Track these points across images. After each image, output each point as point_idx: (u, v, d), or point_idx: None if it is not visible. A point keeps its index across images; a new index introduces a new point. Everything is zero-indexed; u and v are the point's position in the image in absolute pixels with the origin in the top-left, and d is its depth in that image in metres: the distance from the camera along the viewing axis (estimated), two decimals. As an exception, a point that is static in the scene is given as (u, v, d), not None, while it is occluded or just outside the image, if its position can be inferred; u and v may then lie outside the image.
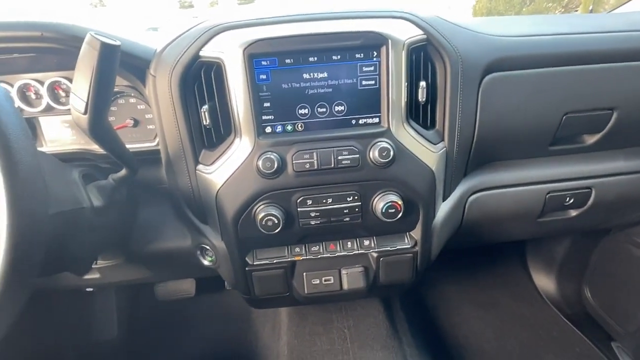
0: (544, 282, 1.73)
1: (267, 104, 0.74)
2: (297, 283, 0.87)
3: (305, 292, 0.86)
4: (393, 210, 0.77)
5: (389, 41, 0.71)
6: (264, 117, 0.74)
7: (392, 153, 0.74)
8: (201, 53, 0.72)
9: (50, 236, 0.67)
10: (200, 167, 0.78)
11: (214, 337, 1.53)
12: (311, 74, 0.73)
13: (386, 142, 0.75)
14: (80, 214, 0.75)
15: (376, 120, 0.77)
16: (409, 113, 0.78)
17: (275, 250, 0.85)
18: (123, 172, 0.81)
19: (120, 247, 0.97)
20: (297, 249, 0.85)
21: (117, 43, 0.59)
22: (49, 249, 0.68)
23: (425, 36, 0.75)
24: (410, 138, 0.78)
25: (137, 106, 0.92)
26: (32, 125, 0.91)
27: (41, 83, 0.86)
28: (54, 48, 0.70)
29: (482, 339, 1.50)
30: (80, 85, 0.59)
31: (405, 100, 0.76)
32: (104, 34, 0.61)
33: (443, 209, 0.88)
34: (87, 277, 1.03)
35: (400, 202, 0.77)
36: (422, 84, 0.76)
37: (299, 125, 0.76)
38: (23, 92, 0.89)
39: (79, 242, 0.77)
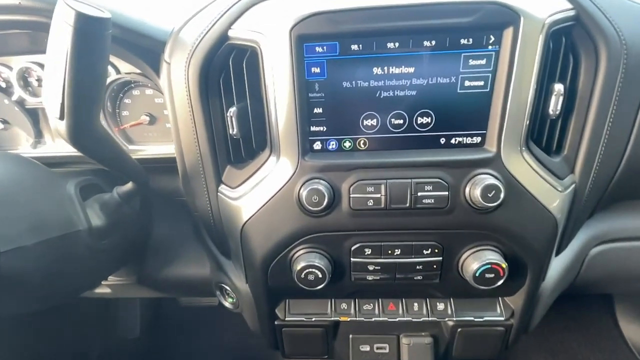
0: (634, 332, 1.39)
1: (318, 110, 0.51)
2: (339, 347, 0.66)
3: (350, 359, 0.65)
4: (492, 276, 0.52)
5: (520, 19, 0.44)
6: (314, 128, 0.52)
7: (502, 195, 0.48)
8: (230, 33, 0.50)
9: (30, 269, 0.52)
10: (223, 188, 0.58)
11: (233, 347, 1.42)
12: (387, 68, 0.48)
13: (493, 175, 0.49)
14: (74, 238, 0.59)
15: (478, 140, 0.51)
16: (531, 132, 0.52)
17: (314, 304, 0.64)
18: (130, 185, 0.64)
19: (132, 268, 0.82)
20: (344, 306, 0.63)
21: (104, 14, 0.39)
22: (32, 283, 0.54)
23: (574, 12, 0.47)
24: (529, 170, 0.52)
25: (154, 99, 0.74)
26: (36, 118, 0.77)
27: (43, 67, 0.70)
28: (40, 22, 0.52)
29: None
30: (52, 79, 0.40)
31: (531, 112, 0.49)
32: (88, 1, 0.41)
33: (556, 266, 0.62)
34: (98, 291, 0.92)
35: (503, 265, 0.52)
36: (558, 87, 0.49)
37: (362, 142, 0.52)
38: (25, 78, 0.74)
39: (82, 269, 0.62)
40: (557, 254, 0.62)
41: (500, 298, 0.62)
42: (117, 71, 0.70)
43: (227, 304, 0.72)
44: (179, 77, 0.54)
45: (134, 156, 0.73)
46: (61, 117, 0.42)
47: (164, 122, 0.75)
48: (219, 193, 0.59)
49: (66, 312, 1.32)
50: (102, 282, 0.87)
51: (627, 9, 0.50)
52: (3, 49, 0.69)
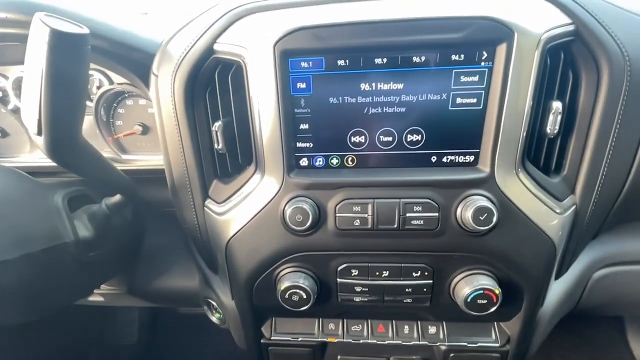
0: (647, 354, 1.33)
1: (304, 126, 0.49)
2: (327, 368, 0.63)
3: (338, 381, 0.63)
4: (484, 302, 0.49)
5: (515, 35, 0.42)
6: (300, 145, 0.50)
7: (494, 218, 0.46)
8: (216, 47, 0.49)
9: (13, 283, 0.52)
10: (209, 203, 0.57)
11: (229, 355, 1.40)
12: (375, 84, 0.47)
13: (486, 197, 0.47)
14: (60, 250, 0.58)
15: (471, 158, 0.49)
16: (527, 151, 0.49)
17: (301, 323, 0.62)
18: (118, 196, 0.63)
19: (124, 278, 0.82)
20: (332, 326, 0.61)
21: (82, 30, 0.39)
22: (16, 296, 0.53)
23: (573, 27, 0.44)
24: (524, 191, 0.49)
25: (147, 109, 0.74)
26: (32, 126, 0.77)
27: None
28: (26, 35, 0.51)
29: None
30: (28, 95, 0.40)
31: (526, 130, 0.47)
32: (72, 15, 0.41)
33: (555, 291, 0.58)
34: (91, 299, 0.91)
35: (497, 291, 0.49)
36: (556, 105, 0.47)
37: (350, 159, 0.51)
38: (20, 87, 0.74)
39: (69, 281, 0.62)
40: (557, 277, 0.59)
41: (495, 323, 0.59)
42: (110, 82, 0.70)
43: (214, 319, 0.70)
44: (165, 89, 0.53)
45: (127, 166, 0.72)
46: (39, 133, 0.41)
47: (156, 132, 0.74)
48: (205, 207, 0.58)
49: (65, 316, 1.32)
50: (95, 291, 0.87)
51: (629, 22, 0.47)
52: (-1, 60, 0.70)
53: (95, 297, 0.90)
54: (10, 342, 1.16)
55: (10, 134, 0.79)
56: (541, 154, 0.51)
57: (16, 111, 0.75)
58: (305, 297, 0.51)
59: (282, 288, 0.52)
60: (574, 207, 0.52)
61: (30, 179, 0.60)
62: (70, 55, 0.38)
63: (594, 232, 0.59)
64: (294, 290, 0.51)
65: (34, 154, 0.78)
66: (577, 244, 0.56)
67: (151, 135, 0.75)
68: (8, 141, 0.79)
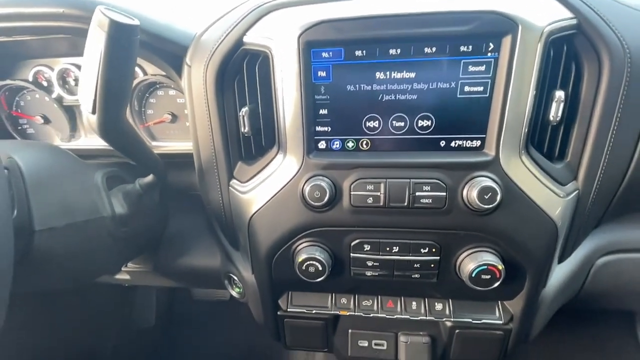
0: (662, 356, 1.32)
1: (323, 111, 0.54)
2: (339, 341, 0.68)
3: (349, 353, 0.67)
4: (488, 277, 0.53)
5: (519, 28, 0.46)
6: (319, 128, 0.55)
7: (498, 197, 0.49)
8: (245, 39, 0.54)
9: (59, 249, 0.57)
10: (234, 182, 0.62)
11: (243, 345, 1.45)
12: (389, 73, 0.51)
13: (491, 178, 0.51)
14: (99, 223, 0.64)
15: (477, 143, 0.53)
16: (531, 137, 0.53)
17: (316, 297, 0.66)
18: (150, 177, 0.69)
19: (150, 255, 0.88)
20: (344, 300, 0.65)
21: (134, 22, 0.44)
22: (59, 262, 0.59)
23: (575, 21, 0.48)
24: (528, 174, 0.52)
25: (176, 99, 0.80)
26: (72, 115, 0.85)
27: (80, 68, 0.77)
28: (79, 28, 0.58)
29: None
30: (87, 78, 0.46)
31: (530, 117, 0.50)
32: (121, 9, 0.47)
33: (558, 274, 0.61)
34: (118, 277, 0.98)
35: (500, 267, 0.53)
36: (559, 94, 0.50)
37: (365, 142, 0.55)
38: (64, 78, 0.81)
39: (103, 253, 0.68)
40: (561, 261, 0.62)
41: (499, 302, 0.62)
42: (144, 73, 0.76)
43: (234, 293, 0.75)
44: (198, 78, 0.59)
45: (155, 151, 0.79)
46: (93, 112, 0.47)
47: (184, 120, 0.81)
48: (230, 187, 0.63)
49: (87, 299, 1.40)
50: (122, 269, 0.93)
51: (630, 17, 0.50)
52: (46, 52, 0.77)
53: (122, 275, 0.97)
54: (32, 323, 1.24)
55: (52, 121, 0.86)
56: (545, 141, 0.54)
57: (59, 100, 0.83)
58: (320, 268, 0.56)
59: (299, 260, 0.56)
60: (576, 192, 0.55)
61: (74, 157, 0.66)
62: (124, 44, 0.44)
63: (597, 220, 0.62)
64: (311, 262, 0.56)
65: (72, 141, 0.85)
66: (579, 229, 0.59)
67: (179, 124, 0.81)
68: (49, 128, 0.86)
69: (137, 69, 0.77)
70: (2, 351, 1.14)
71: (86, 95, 0.47)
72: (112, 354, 1.48)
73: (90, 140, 0.83)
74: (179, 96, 0.79)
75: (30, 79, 0.82)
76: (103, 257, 0.70)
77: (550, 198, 0.53)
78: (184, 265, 0.83)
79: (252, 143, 0.60)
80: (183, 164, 0.77)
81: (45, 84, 0.82)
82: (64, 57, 0.79)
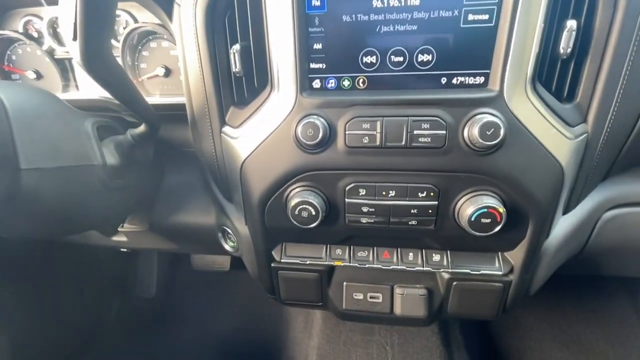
0: (665, 332, 1.30)
1: (318, 45, 0.51)
2: (333, 293, 0.66)
3: (344, 307, 0.66)
4: (488, 221, 0.51)
5: None
6: (313, 65, 0.52)
7: (501, 132, 0.47)
8: None
9: (47, 192, 0.56)
10: (226, 129, 0.60)
11: (243, 315, 1.47)
12: (387, 0, 0.48)
13: (493, 114, 0.48)
14: (89, 171, 0.63)
15: (481, 80, 0.50)
16: (539, 74, 0.49)
17: (310, 248, 0.65)
18: (142, 127, 0.67)
19: (145, 212, 0.87)
20: (339, 251, 0.64)
21: None
22: (48, 205, 0.58)
23: None
24: (534, 112, 0.49)
25: (169, 51, 0.77)
26: (64, 67, 0.83)
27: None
28: None
29: (564, 388, 1.17)
30: (66, 3, 0.43)
31: (538, 50, 0.47)
32: None
33: (563, 225, 0.59)
34: (115, 239, 0.98)
35: (501, 210, 0.50)
36: (571, 24, 0.47)
37: (361, 80, 0.52)
38: (54, 28, 0.79)
39: (96, 203, 0.66)
40: (566, 212, 0.59)
41: (499, 253, 0.60)
42: (135, 20, 0.74)
43: (228, 247, 0.74)
44: (188, 18, 0.56)
45: None
46: (74, 38, 0.45)
47: (178, 74, 0.78)
48: (222, 134, 0.61)
49: (90, 269, 1.42)
50: (119, 229, 0.93)
51: None
52: (34, 0, 0.75)
53: (119, 237, 0.97)
54: (40, 292, 1.26)
55: (44, 76, 0.84)
56: (554, 79, 0.51)
57: (51, 52, 0.80)
58: (314, 213, 0.54)
59: (292, 205, 0.54)
60: (585, 135, 0.52)
61: (63, 102, 0.64)
62: None
63: (606, 169, 0.59)
64: (304, 206, 0.54)
65: (65, 95, 0.83)
66: (587, 178, 0.56)
67: (173, 78, 0.79)
68: (42, 83, 0.85)
69: (127, 16, 0.75)
70: (9, 318, 1.16)
71: (66, 20, 0.44)
72: (115, 322, 1.50)
73: (83, 93, 0.81)
74: (172, 48, 0.77)
75: (21, 29, 0.79)
76: (96, 208, 0.68)
77: (558, 139, 0.50)
78: (179, 222, 0.82)
79: (244, 84, 0.58)
80: (177, 119, 0.75)
81: (35, 34, 0.80)
82: (54, 6, 0.76)
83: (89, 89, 0.81)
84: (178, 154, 0.84)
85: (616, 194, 0.61)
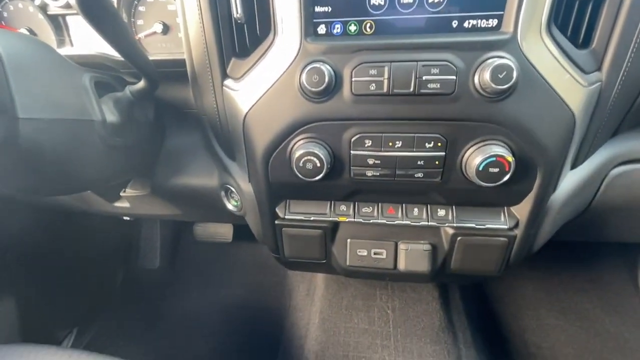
0: (659, 298, 1.33)
1: None
2: (337, 250, 0.66)
3: (347, 263, 0.66)
4: (496, 171, 0.50)
5: None
6: (318, 9, 0.50)
7: (514, 75, 0.45)
8: None
9: (46, 144, 0.55)
10: (228, 82, 0.58)
11: (246, 284, 1.50)
12: None
13: (507, 58, 0.46)
14: (89, 127, 0.61)
15: (494, 22, 0.48)
16: (555, 17, 0.47)
17: (314, 205, 0.64)
18: (142, 83, 0.66)
19: (146, 177, 0.86)
20: (343, 207, 0.63)
21: None
22: (47, 158, 0.57)
23: None
24: (548, 57, 0.47)
25: (167, 6, 0.74)
26: (58, 24, 0.80)
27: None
28: None
29: (559, 354, 1.20)
30: None
31: None
32: None
33: (570, 180, 0.58)
34: (117, 204, 0.97)
35: (509, 159, 0.49)
36: None
37: (368, 25, 0.50)
38: (46, -19, 0.76)
39: (96, 161, 0.65)
40: (574, 167, 0.58)
41: (505, 208, 0.60)
42: (131, -31, 0.71)
43: (230, 207, 0.74)
44: None
45: None
46: None
47: (176, 31, 0.75)
48: (224, 87, 0.59)
49: (95, 242, 1.44)
50: (121, 194, 0.92)
51: None
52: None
53: (122, 203, 0.96)
54: (47, 264, 1.27)
55: (37, 34, 0.81)
56: (570, 23, 0.49)
57: (44, 8, 0.77)
58: (319, 165, 0.53)
59: (296, 156, 0.53)
60: (599, 83, 0.50)
61: (60, 54, 0.62)
62: None
63: (617, 123, 0.57)
64: (308, 157, 0.53)
65: (60, 52, 0.80)
66: (597, 130, 0.55)
67: (171, 35, 0.76)
68: None
69: (122, -34, 0.71)
70: (16, 283, 1.18)
71: None
72: (120, 292, 1.53)
73: (77, 49, 0.79)
74: (170, 2, 0.74)
75: (11, -19, 0.76)
76: (95, 165, 0.67)
77: (571, 85, 0.49)
78: (181, 184, 0.81)
79: (246, 32, 0.56)
80: (177, 77, 0.73)
81: (26, -12, 0.77)
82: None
83: (83, 45, 0.79)
84: (178, 116, 0.82)
85: (625, 150, 0.60)
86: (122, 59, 0.73)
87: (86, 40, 0.80)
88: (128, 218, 1.39)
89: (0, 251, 1.10)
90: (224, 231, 1.51)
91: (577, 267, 1.41)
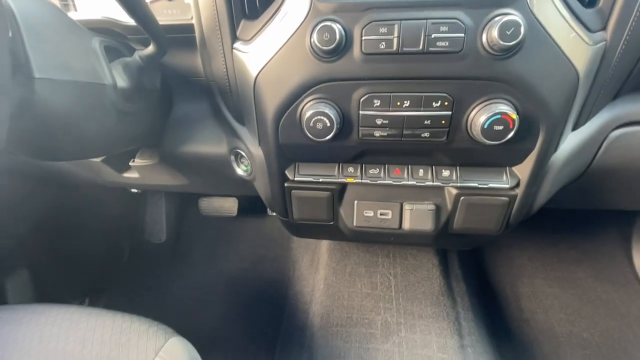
0: (651, 267, 1.38)
1: None
2: (344, 212, 0.69)
3: (354, 224, 0.69)
4: (501, 128, 0.52)
5: None
6: (328, -33, 0.50)
7: (521, 31, 0.46)
8: None
9: (60, 105, 0.56)
10: (237, 44, 0.59)
11: (251, 257, 1.54)
12: None
13: (515, 14, 0.47)
14: (100, 91, 0.62)
15: (503, -20, 0.48)
16: None
17: (322, 167, 0.66)
18: (151, 48, 0.66)
19: (155, 145, 0.88)
20: (351, 169, 0.65)
21: None
22: (61, 120, 0.58)
23: None
24: (555, 15, 0.48)
25: (172, -30, 0.73)
26: (61, -11, 0.79)
27: None
28: None
29: (553, 319, 1.26)
30: None
31: None
32: None
33: (571, 140, 0.60)
34: (127, 175, 0.99)
35: (514, 116, 0.51)
36: None
37: (378, -17, 0.50)
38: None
39: (107, 126, 0.66)
40: (575, 128, 0.60)
41: (507, 168, 0.62)
42: None
43: (240, 172, 0.76)
44: None
45: None
46: None
47: (182, -4, 0.75)
48: (233, 49, 0.60)
49: (103, 216, 1.46)
50: (130, 164, 0.94)
51: None
52: None
53: (131, 174, 0.98)
54: (58, 230, 1.30)
55: None
56: None
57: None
58: (328, 124, 0.55)
59: (307, 116, 0.55)
60: (603, 43, 0.51)
61: (69, 17, 0.62)
62: None
63: (619, 84, 0.59)
64: (319, 117, 0.54)
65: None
66: (600, 90, 0.56)
67: (177, 2, 0.75)
68: None
69: None
70: (30, 255, 1.21)
71: None
72: (127, 265, 1.58)
73: (82, 14, 0.78)
74: (176, -36, 0.73)
75: (12, -55, 0.74)
76: (108, 129, 0.68)
77: (576, 43, 0.50)
78: (190, 152, 0.83)
79: (256, -8, 0.56)
80: (184, 43, 0.72)
81: (28, -49, 0.75)
82: None
83: (88, 9, 0.78)
84: (185, 84, 0.82)
85: (625, 112, 0.62)
86: (129, 24, 0.73)
87: (90, 4, 0.79)
88: (136, 190, 1.41)
89: (14, 223, 1.13)
90: (229, 205, 1.54)
91: (572, 239, 1.46)
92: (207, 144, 0.81)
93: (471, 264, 1.29)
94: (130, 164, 0.94)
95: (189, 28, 0.68)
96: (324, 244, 1.28)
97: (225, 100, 0.69)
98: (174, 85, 0.83)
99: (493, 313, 1.17)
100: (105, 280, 1.48)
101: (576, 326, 1.24)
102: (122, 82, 0.66)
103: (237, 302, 1.40)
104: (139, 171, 0.96)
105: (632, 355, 1.16)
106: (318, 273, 1.18)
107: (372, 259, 1.16)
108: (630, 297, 1.32)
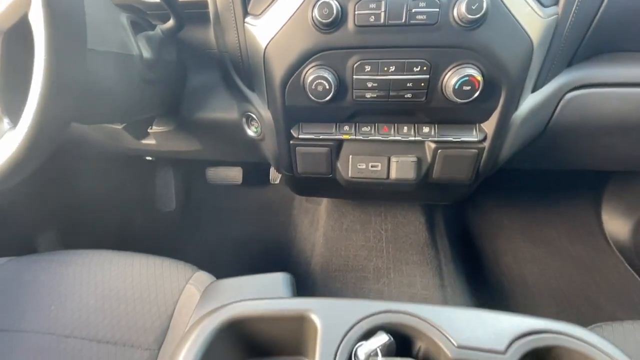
0: (616, 227, 1.53)
1: None
2: (341, 165, 0.81)
3: (349, 175, 0.81)
4: (469, 88, 0.63)
5: None
6: (327, -48, 0.60)
7: (484, 6, 0.57)
8: None
9: (99, 73, 0.65)
10: (248, 19, 0.69)
11: (257, 223, 1.67)
12: None
13: None
14: (130, 61, 0.72)
15: (471, -38, 0.58)
16: None
17: (322, 126, 0.78)
18: (171, 22, 0.75)
19: (172, 113, 0.98)
20: (346, 127, 0.77)
21: None
22: (100, 90, 0.67)
23: None
24: (513, -8, 0.59)
25: (185, -52, 0.81)
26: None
27: None
28: None
29: (526, 271, 1.42)
30: None
31: None
32: None
33: (530, 101, 0.72)
34: (144, 141, 1.09)
35: (479, 78, 0.62)
36: None
37: (368, -36, 0.60)
38: None
39: (133, 93, 0.76)
40: (534, 91, 0.72)
41: (477, 125, 0.74)
42: None
43: (251, 133, 0.87)
44: None
45: None
46: None
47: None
48: (245, 23, 0.70)
49: (117, 187, 1.57)
50: (148, 131, 1.04)
51: None
52: None
53: (149, 140, 1.08)
54: (81, 196, 1.41)
55: None
56: None
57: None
58: (327, 87, 0.66)
59: (309, 80, 0.66)
60: (555, 16, 0.62)
61: None
62: None
63: (572, 53, 0.70)
64: (319, 80, 0.65)
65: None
66: (554, 58, 0.67)
67: (190, -19, 0.84)
68: None
69: None
70: (58, 215, 1.32)
71: None
72: (139, 233, 1.70)
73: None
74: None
75: None
76: (135, 97, 0.78)
77: (531, 17, 0.61)
78: (204, 118, 0.93)
79: (265, -28, 0.65)
80: (196, 19, 0.81)
81: None
82: None
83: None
84: (199, 57, 0.92)
85: (578, 77, 0.73)
86: (149, 0, 0.81)
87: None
88: (150, 158, 1.52)
89: (41, 186, 1.24)
90: (234, 174, 1.66)
91: (548, 202, 1.60)
92: (220, 111, 0.91)
93: (455, 223, 1.43)
94: (149, 130, 1.04)
95: (202, 4, 0.77)
96: (323, 207, 1.41)
97: (237, 69, 0.79)
98: (188, 58, 0.93)
99: (472, 264, 1.33)
100: (122, 244, 1.62)
101: (546, 277, 1.40)
102: (146, 53, 0.76)
103: (243, 263, 1.54)
104: (156, 138, 1.07)
105: (592, 300, 1.32)
106: (317, 231, 1.32)
107: (366, 218, 1.30)
108: (597, 253, 1.47)
